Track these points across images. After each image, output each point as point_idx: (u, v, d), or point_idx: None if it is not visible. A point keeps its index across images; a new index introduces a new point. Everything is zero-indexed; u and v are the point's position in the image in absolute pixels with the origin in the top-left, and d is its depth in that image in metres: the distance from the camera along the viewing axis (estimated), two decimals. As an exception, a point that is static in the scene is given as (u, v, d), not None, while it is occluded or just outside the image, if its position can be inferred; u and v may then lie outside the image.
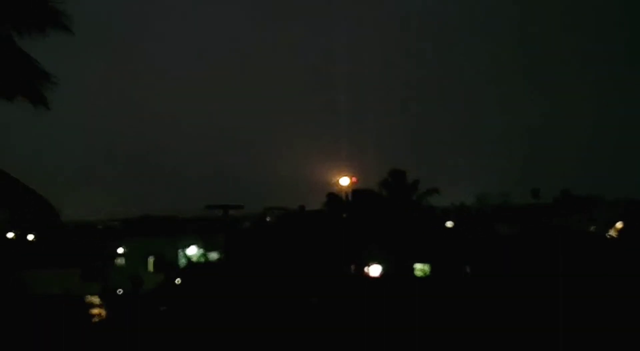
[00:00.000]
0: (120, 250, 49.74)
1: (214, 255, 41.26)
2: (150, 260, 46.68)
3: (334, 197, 39.85)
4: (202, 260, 40.07)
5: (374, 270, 35.04)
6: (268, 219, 53.51)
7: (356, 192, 40.39)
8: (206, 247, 44.44)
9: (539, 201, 56.94)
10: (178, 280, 32.76)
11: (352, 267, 34.21)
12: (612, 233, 39.25)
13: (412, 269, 33.05)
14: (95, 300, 33.07)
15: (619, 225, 40.25)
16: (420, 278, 31.76)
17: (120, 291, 38.17)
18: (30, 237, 55.29)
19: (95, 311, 31.07)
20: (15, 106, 8.57)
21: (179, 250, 45.81)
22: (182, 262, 42.40)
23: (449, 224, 44.26)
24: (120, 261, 49.18)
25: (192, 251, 45.34)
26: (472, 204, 57.15)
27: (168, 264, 39.86)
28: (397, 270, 32.47)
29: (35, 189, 8.55)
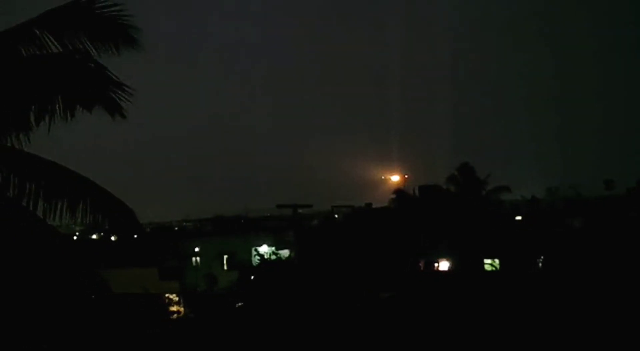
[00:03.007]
0: (195, 250, 50.97)
1: (285, 253, 41.69)
2: (225, 258, 47.59)
3: (401, 194, 39.59)
4: (274, 257, 40.54)
5: (444, 266, 34.64)
6: (336, 216, 53.69)
7: (423, 188, 40.01)
8: (277, 244, 44.93)
9: (613, 192, 54.79)
10: (252, 277, 33.29)
11: (421, 263, 33.93)
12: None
13: (482, 264, 32.47)
14: (174, 297, 34.07)
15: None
16: (491, 272, 31.18)
17: (196, 289, 39.09)
18: (113, 238, 57.45)
19: (173, 308, 32.03)
20: (93, 116, 8.97)
21: (252, 248, 46.45)
22: (255, 259, 43.04)
23: (518, 218, 43.17)
24: (196, 260, 50.41)
25: (264, 249, 45.95)
26: (543, 197, 55.42)
27: (241, 262, 40.50)
28: (466, 266, 31.97)
29: (113, 193, 8.92)
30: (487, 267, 32.33)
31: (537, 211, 43.94)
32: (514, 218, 42.54)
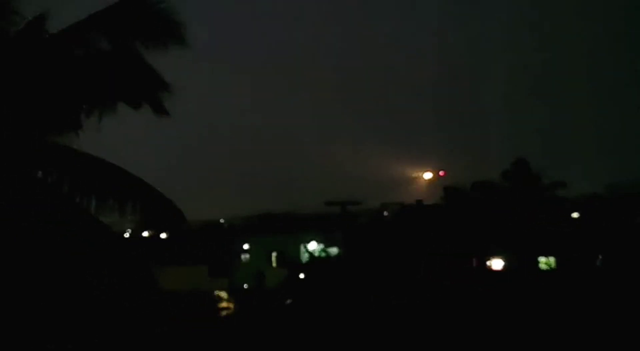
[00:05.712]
0: (244, 247, 51.63)
1: (333, 250, 41.92)
2: (273, 255, 48.06)
3: (452, 190, 39.14)
4: (323, 255, 40.80)
5: (497, 264, 34.18)
6: (385, 214, 53.49)
7: (476, 184, 39.41)
8: (326, 242, 45.15)
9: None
10: (301, 275, 33.63)
11: (474, 261, 33.56)
12: None
13: (537, 262, 31.91)
14: (223, 294, 34.68)
15: None
16: (546, 271, 30.64)
17: (245, 286, 39.71)
18: (163, 236, 58.61)
19: (223, 305, 32.61)
20: (140, 114, 9.24)
21: (301, 246, 46.77)
22: (304, 257, 43.37)
23: (575, 215, 42.13)
24: (245, 257, 51.06)
25: (313, 246, 46.24)
26: (603, 194, 53.96)
27: (290, 259, 40.88)
28: (520, 264, 31.47)
29: (161, 190, 9.18)
30: (543, 266, 31.76)
31: (596, 207, 42.77)
32: (571, 215, 41.51)
